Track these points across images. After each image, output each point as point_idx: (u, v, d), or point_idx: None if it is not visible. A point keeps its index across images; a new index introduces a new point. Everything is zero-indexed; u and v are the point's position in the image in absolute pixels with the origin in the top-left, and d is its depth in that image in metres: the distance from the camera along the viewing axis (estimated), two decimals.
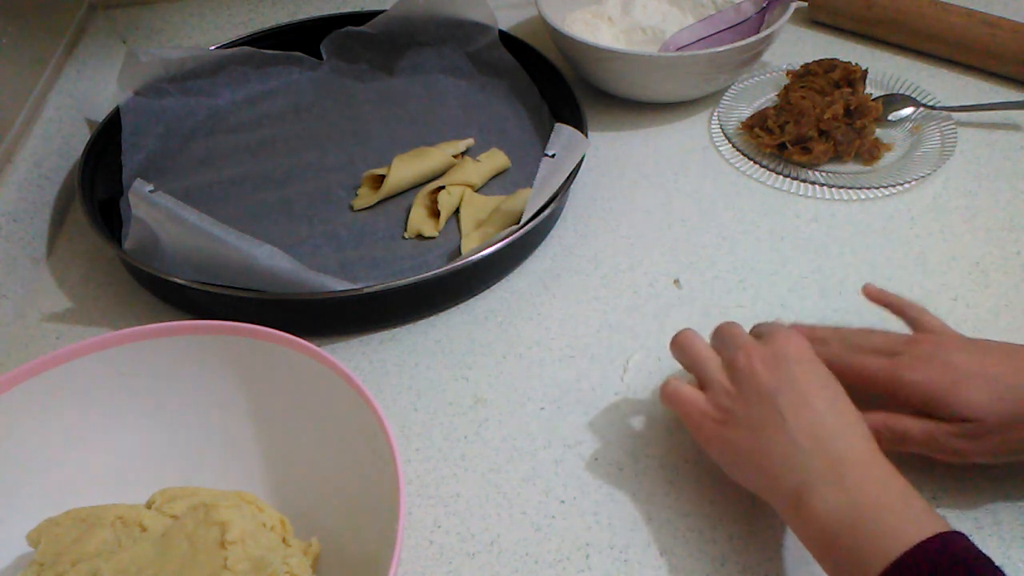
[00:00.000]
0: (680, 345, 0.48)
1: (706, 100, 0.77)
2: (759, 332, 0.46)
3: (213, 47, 0.77)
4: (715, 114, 0.75)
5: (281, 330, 0.46)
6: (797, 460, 0.40)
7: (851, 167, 0.69)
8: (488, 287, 0.61)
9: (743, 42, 0.70)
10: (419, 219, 0.64)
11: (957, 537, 0.36)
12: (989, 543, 0.45)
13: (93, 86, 0.79)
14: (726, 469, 0.44)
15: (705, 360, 0.46)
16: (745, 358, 0.44)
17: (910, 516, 0.37)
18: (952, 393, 0.43)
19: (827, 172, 0.69)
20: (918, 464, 0.45)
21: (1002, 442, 0.42)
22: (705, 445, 0.45)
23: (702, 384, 0.46)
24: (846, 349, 0.47)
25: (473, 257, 0.56)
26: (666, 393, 0.47)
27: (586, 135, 0.64)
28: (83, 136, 0.72)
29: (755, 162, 0.70)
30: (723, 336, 0.47)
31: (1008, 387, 0.42)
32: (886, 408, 0.45)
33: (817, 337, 0.48)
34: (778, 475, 0.41)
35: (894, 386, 0.44)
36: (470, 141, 0.72)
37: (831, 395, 0.42)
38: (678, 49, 0.76)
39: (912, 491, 0.38)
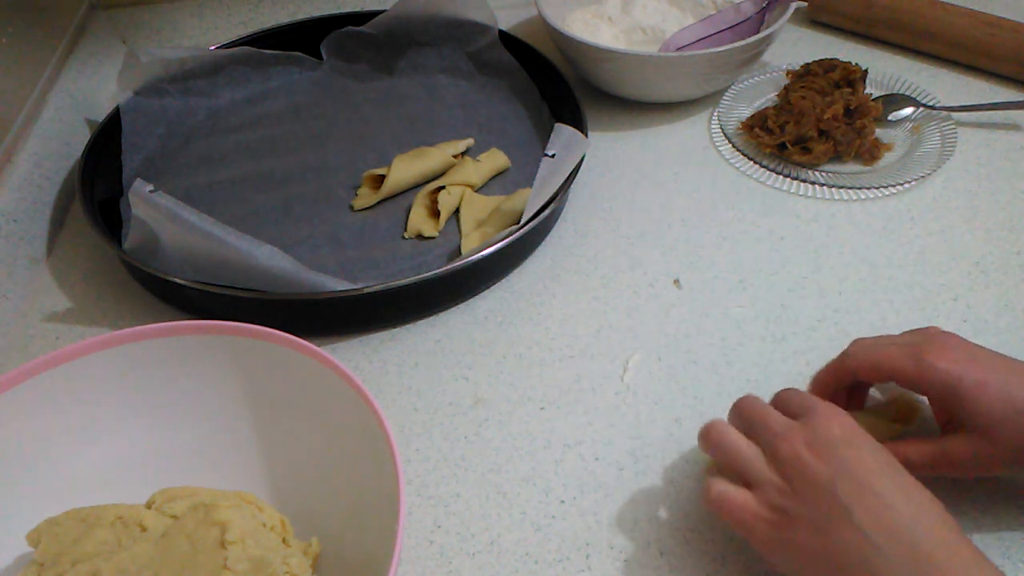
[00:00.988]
0: (713, 441, 0.42)
1: (706, 100, 0.77)
2: (790, 408, 0.42)
3: (213, 47, 0.77)
4: (715, 114, 0.75)
5: (281, 330, 0.45)
6: (873, 559, 0.36)
7: (851, 167, 0.69)
8: (488, 287, 0.61)
9: (743, 42, 0.70)
10: (419, 219, 0.64)
11: None
12: (989, 543, 0.45)
13: (93, 86, 0.79)
14: None
15: (747, 456, 0.41)
16: (788, 446, 0.39)
17: None
18: (974, 394, 0.41)
19: (827, 172, 0.69)
20: None
21: (1006, 461, 0.42)
22: (765, 552, 0.40)
23: (747, 483, 0.40)
24: (867, 347, 0.45)
25: (473, 257, 0.56)
26: (711, 498, 0.41)
27: (586, 135, 0.64)
28: (83, 136, 0.72)
29: (755, 162, 0.70)
30: (750, 419, 0.42)
31: None
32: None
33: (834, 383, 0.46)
34: None
35: (919, 370, 0.42)
36: (470, 141, 0.72)
37: (893, 476, 0.38)
38: (678, 49, 0.75)
39: None
